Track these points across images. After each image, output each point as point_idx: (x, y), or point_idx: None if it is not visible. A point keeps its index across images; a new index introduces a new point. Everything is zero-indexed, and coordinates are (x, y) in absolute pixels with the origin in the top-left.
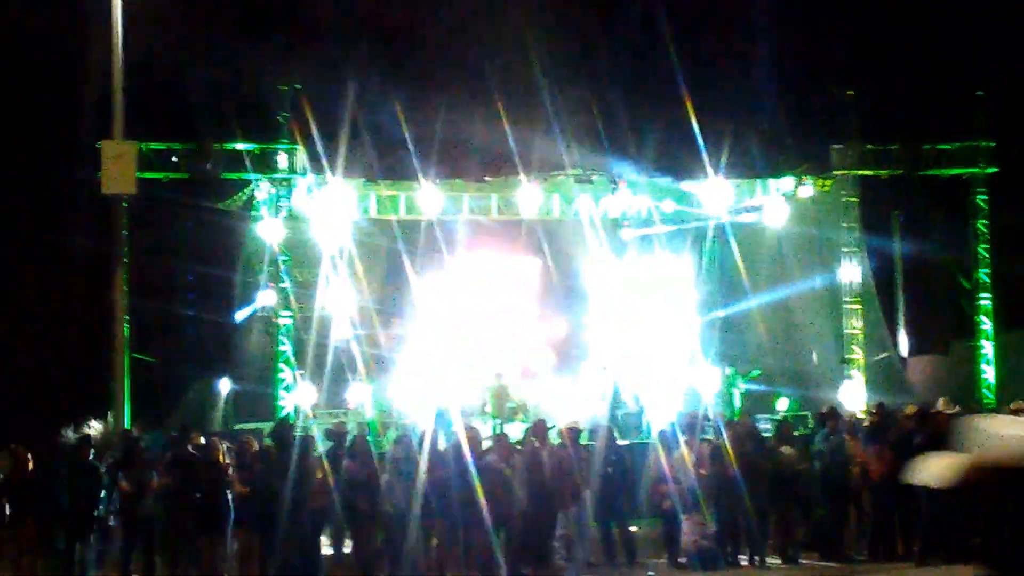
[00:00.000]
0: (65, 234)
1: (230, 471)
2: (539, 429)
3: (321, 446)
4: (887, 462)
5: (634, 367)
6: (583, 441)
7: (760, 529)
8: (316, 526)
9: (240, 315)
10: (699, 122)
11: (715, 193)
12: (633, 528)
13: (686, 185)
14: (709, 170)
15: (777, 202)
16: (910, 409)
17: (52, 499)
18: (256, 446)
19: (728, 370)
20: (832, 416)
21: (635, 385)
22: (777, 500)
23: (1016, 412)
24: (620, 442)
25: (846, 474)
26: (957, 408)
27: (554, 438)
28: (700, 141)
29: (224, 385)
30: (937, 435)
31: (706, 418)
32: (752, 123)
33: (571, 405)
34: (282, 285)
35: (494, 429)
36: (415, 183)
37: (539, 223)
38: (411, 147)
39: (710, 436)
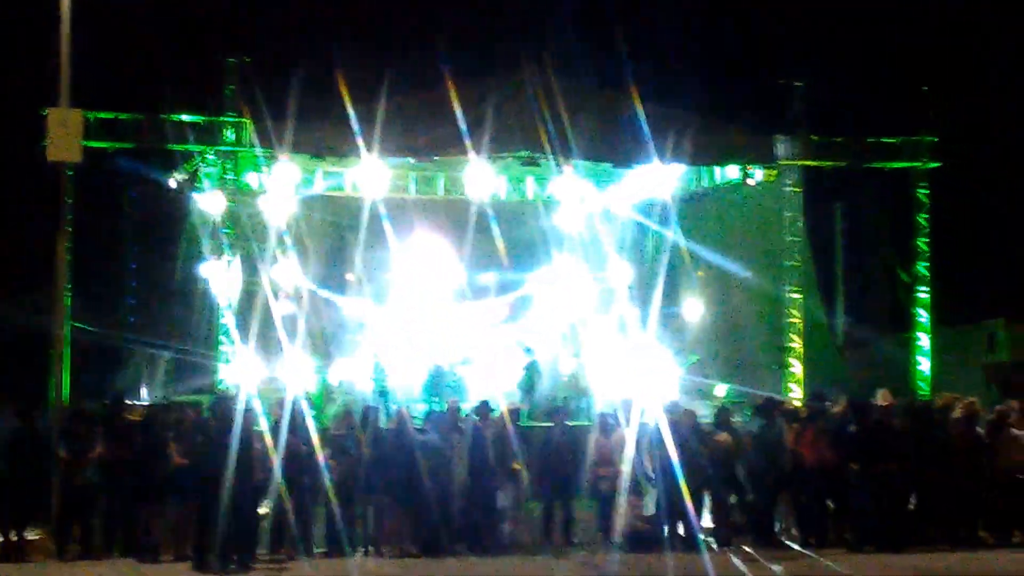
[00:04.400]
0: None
1: (168, 441)
2: (481, 409)
3: (262, 420)
4: (821, 450)
5: (569, 349)
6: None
7: (696, 513)
8: (255, 499)
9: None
10: (644, 109)
11: (658, 179)
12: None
13: (629, 171)
14: (653, 157)
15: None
16: (843, 399)
17: None
18: (194, 417)
19: (667, 354)
20: (769, 405)
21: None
22: (713, 485)
23: (945, 405)
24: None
25: (781, 461)
26: (897, 400)
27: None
28: (644, 128)
29: (165, 356)
30: (871, 424)
31: (644, 402)
32: (697, 111)
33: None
34: (225, 258)
35: (429, 409)
36: (362, 160)
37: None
38: (358, 124)
39: (649, 420)
